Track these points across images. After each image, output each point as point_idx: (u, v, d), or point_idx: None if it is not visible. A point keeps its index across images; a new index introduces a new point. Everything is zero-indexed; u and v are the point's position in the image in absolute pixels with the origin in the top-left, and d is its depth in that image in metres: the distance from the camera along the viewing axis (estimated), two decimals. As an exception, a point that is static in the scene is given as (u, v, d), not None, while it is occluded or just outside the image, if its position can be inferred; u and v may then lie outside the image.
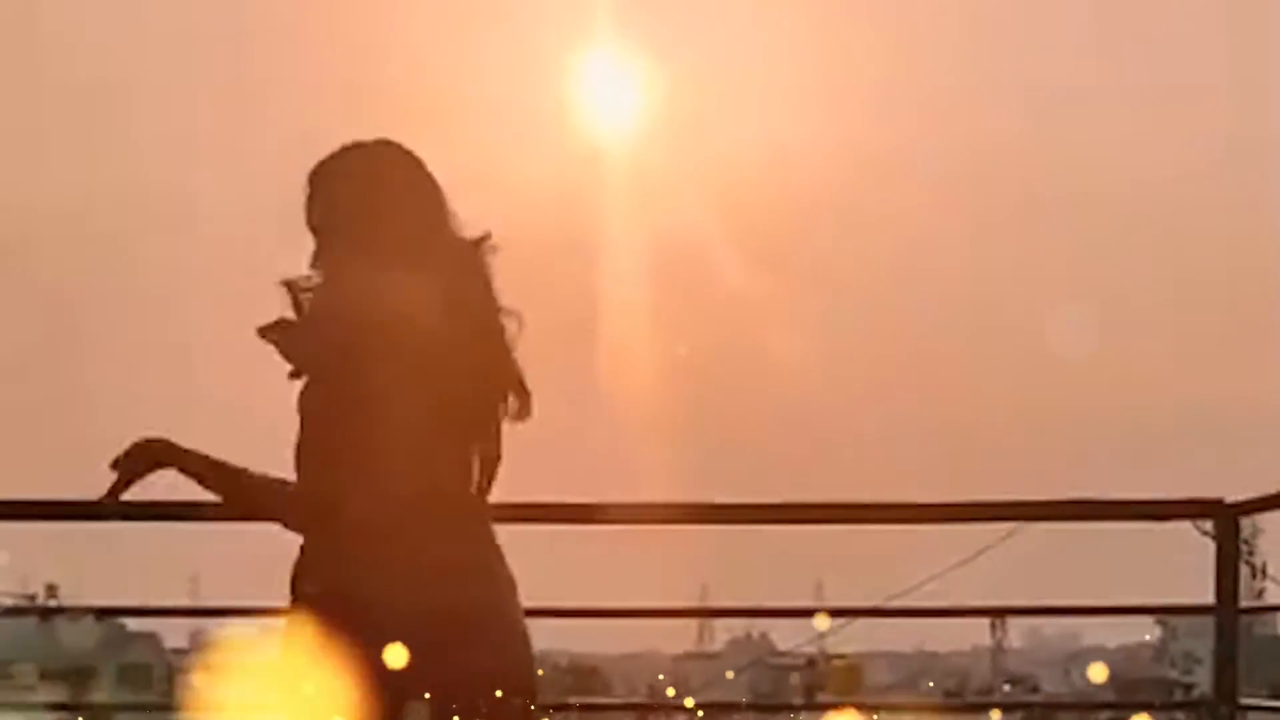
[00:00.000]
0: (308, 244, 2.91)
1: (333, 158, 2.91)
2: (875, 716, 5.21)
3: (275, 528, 3.26)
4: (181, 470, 2.92)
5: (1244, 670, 4.73)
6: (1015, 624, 47.64)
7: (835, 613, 5.64)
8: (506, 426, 2.92)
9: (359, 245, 2.85)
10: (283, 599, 2.93)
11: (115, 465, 2.97)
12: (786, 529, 5.16)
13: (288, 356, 2.83)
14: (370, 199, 2.87)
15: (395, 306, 2.79)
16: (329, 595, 2.83)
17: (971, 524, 5.03)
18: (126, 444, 2.94)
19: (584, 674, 40.86)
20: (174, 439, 2.95)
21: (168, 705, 4.77)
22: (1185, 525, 4.76)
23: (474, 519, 2.89)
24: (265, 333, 2.84)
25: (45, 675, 38.47)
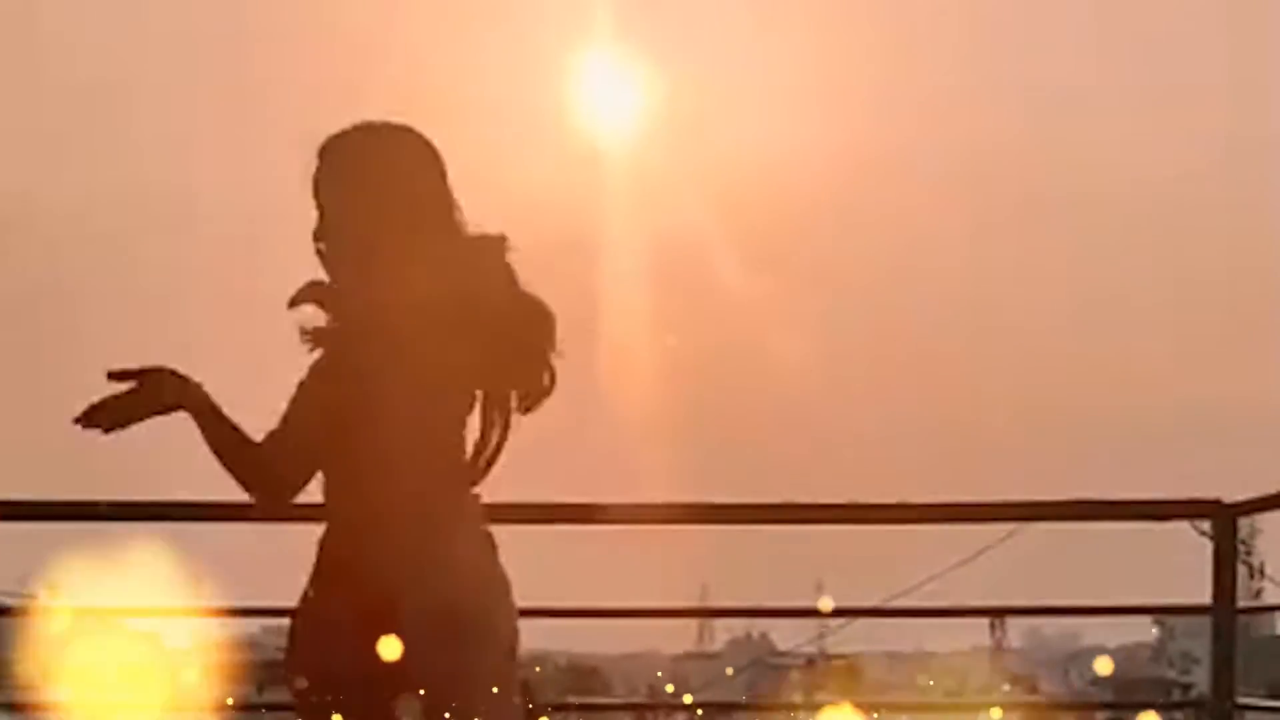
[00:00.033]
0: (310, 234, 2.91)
1: (347, 135, 2.89)
2: (875, 715, 5.22)
3: (276, 528, 3.28)
4: (191, 415, 2.86)
5: (1241, 670, 4.74)
6: (1015, 624, 47.64)
7: (835, 613, 5.65)
8: (515, 418, 2.93)
9: (367, 241, 2.85)
10: (283, 598, 2.94)
11: (129, 380, 2.84)
12: (786, 529, 5.18)
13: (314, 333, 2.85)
14: (381, 188, 2.86)
15: (400, 308, 2.80)
16: (324, 594, 2.85)
17: (971, 524, 5.05)
18: (141, 365, 2.85)
19: (584, 674, 40.87)
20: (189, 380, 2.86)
21: (169, 705, 4.78)
22: (1183, 525, 4.78)
23: (464, 519, 2.89)
24: (301, 298, 2.85)
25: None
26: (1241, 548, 4.82)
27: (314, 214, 2.89)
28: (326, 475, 2.89)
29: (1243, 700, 4.78)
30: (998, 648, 47.42)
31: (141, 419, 2.85)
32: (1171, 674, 43.42)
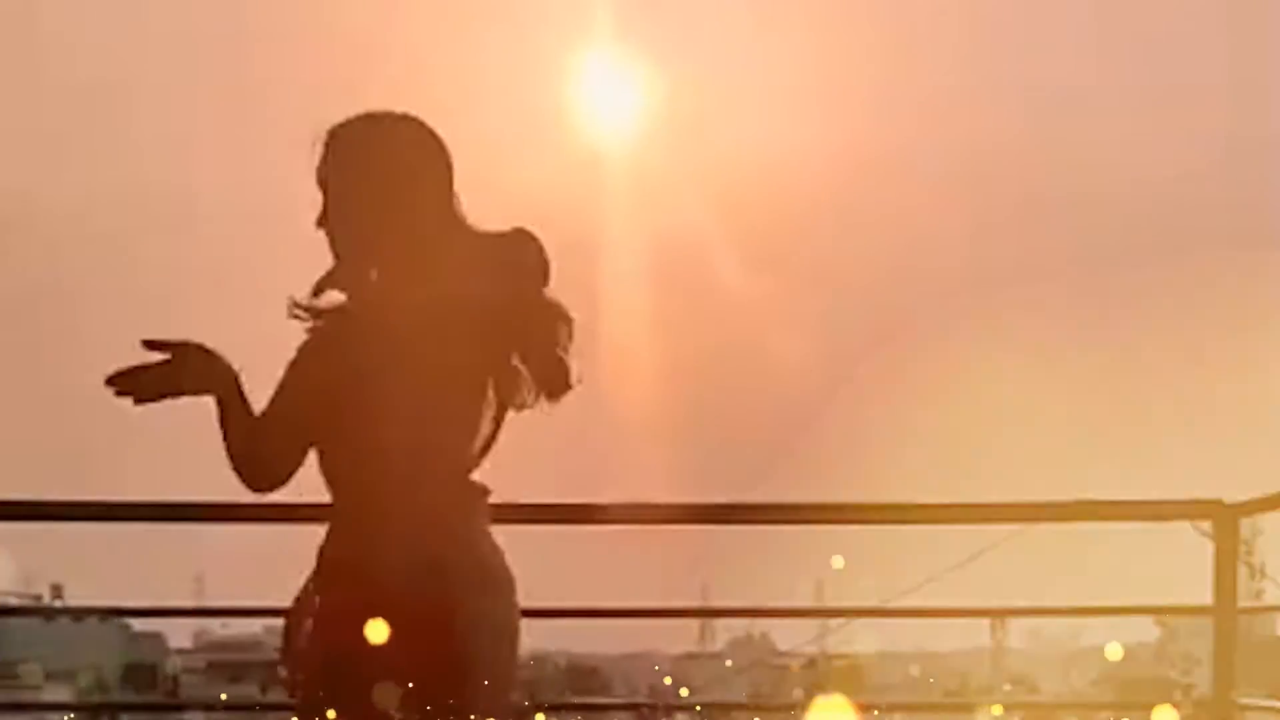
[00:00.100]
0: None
1: (352, 124, 2.90)
2: (876, 715, 5.22)
3: (277, 528, 3.28)
4: (215, 401, 2.86)
5: (1242, 670, 4.74)
6: (1015, 624, 47.62)
7: (836, 613, 5.64)
8: (515, 413, 2.92)
9: (370, 229, 2.85)
10: (285, 599, 2.94)
11: (162, 352, 2.85)
12: (786, 529, 5.17)
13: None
14: (385, 177, 2.86)
15: (400, 296, 2.80)
16: (322, 591, 2.86)
17: (972, 525, 5.04)
18: (181, 341, 2.85)
19: (584, 674, 40.88)
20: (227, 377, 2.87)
21: (172, 705, 4.79)
22: (1184, 526, 4.77)
23: (466, 512, 2.89)
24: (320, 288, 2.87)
25: (50, 675, 38.49)
26: (1243, 548, 4.81)
27: (318, 202, 2.90)
28: (324, 466, 2.88)
29: (1244, 700, 4.78)
30: (999, 648, 47.41)
31: (171, 397, 2.85)
32: (1173, 674, 43.41)
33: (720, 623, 44.19)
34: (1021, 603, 6.30)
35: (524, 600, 2.93)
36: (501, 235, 2.92)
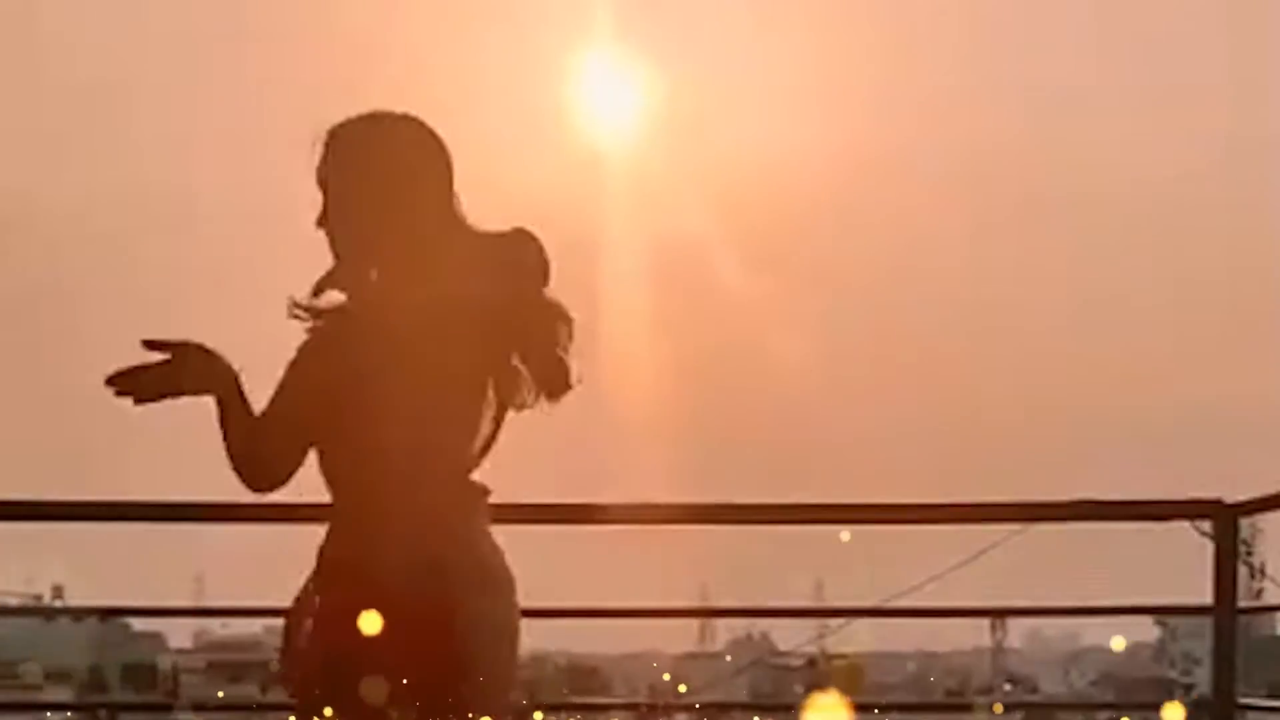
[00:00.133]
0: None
1: (353, 123, 2.89)
2: (876, 714, 5.22)
3: (277, 528, 3.28)
4: (215, 402, 2.85)
5: (1242, 670, 4.75)
6: (1015, 624, 47.58)
7: (836, 612, 5.64)
8: (514, 413, 2.92)
9: (370, 229, 2.85)
10: (286, 599, 2.94)
11: (163, 351, 2.83)
12: (786, 529, 5.18)
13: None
14: (385, 177, 2.86)
15: (401, 296, 2.80)
16: (321, 591, 2.85)
17: (971, 525, 5.05)
18: (181, 341, 2.84)
19: (584, 674, 40.88)
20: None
21: (172, 705, 4.78)
22: (1184, 525, 4.77)
23: (467, 511, 2.88)
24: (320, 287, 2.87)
25: (51, 675, 38.49)
26: (1242, 548, 4.82)
27: (318, 202, 2.89)
28: (324, 466, 2.88)
29: (1244, 700, 4.78)
30: (998, 648, 47.40)
31: (171, 397, 2.85)
32: (1173, 674, 43.40)
33: (720, 622, 44.16)
34: (1021, 603, 6.30)
35: (524, 600, 2.93)
36: (501, 235, 2.92)
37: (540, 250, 2.91)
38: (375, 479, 2.82)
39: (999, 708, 5.19)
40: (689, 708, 5.54)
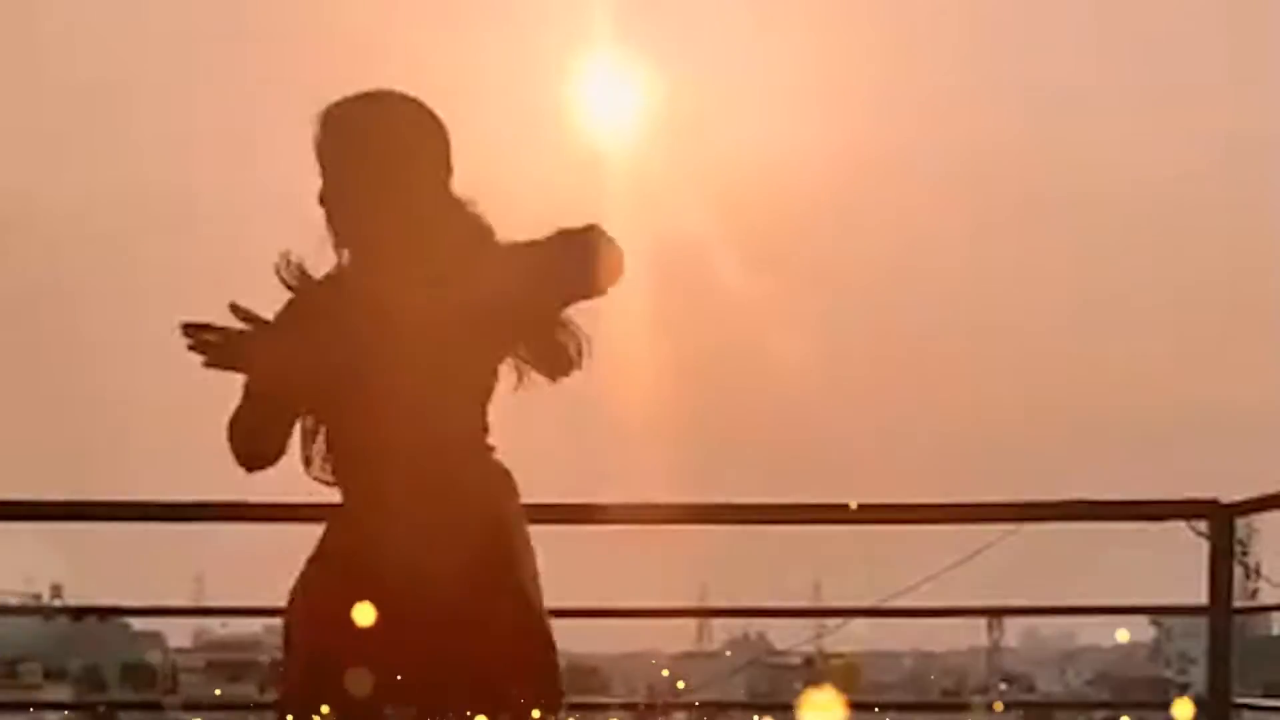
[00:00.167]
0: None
1: (351, 102, 2.86)
2: (874, 715, 5.23)
3: (277, 528, 3.26)
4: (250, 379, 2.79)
5: (1238, 670, 4.76)
6: (1011, 624, 47.60)
7: (833, 612, 5.66)
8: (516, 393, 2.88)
9: (368, 208, 2.81)
10: (284, 599, 2.91)
11: (248, 323, 2.74)
12: (785, 529, 5.19)
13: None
14: (383, 156, 2.82)
15: (395, 273, 2.77)
16: (319, 580, 2.80)
17: (968, 525, 5.06)
18: (239, 328, 2.73)
19: (584, 674, 40.88)
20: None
21: (172, 705, 4.80)
22: (1180, 525, 4.79)
23: (476, 492, 2.81)
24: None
25: (50, 675, 38.48)
26: (1238, 548, 4.83)
27: (317, 184, 2.87)
28: (329, 447, 2.83)
29: (1239, 700, 4.79)
30: (995, 647, 47.40)
31: (240, 372, 2.78)
32: (1169, 674, 43.42)
33: (718, 622, 44.23)
34: (1018, 602, 6.31)
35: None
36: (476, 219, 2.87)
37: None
38: (376, 457, 2.76)
39: (999, 705, 5.20)
40: (687, 707, 5.56)
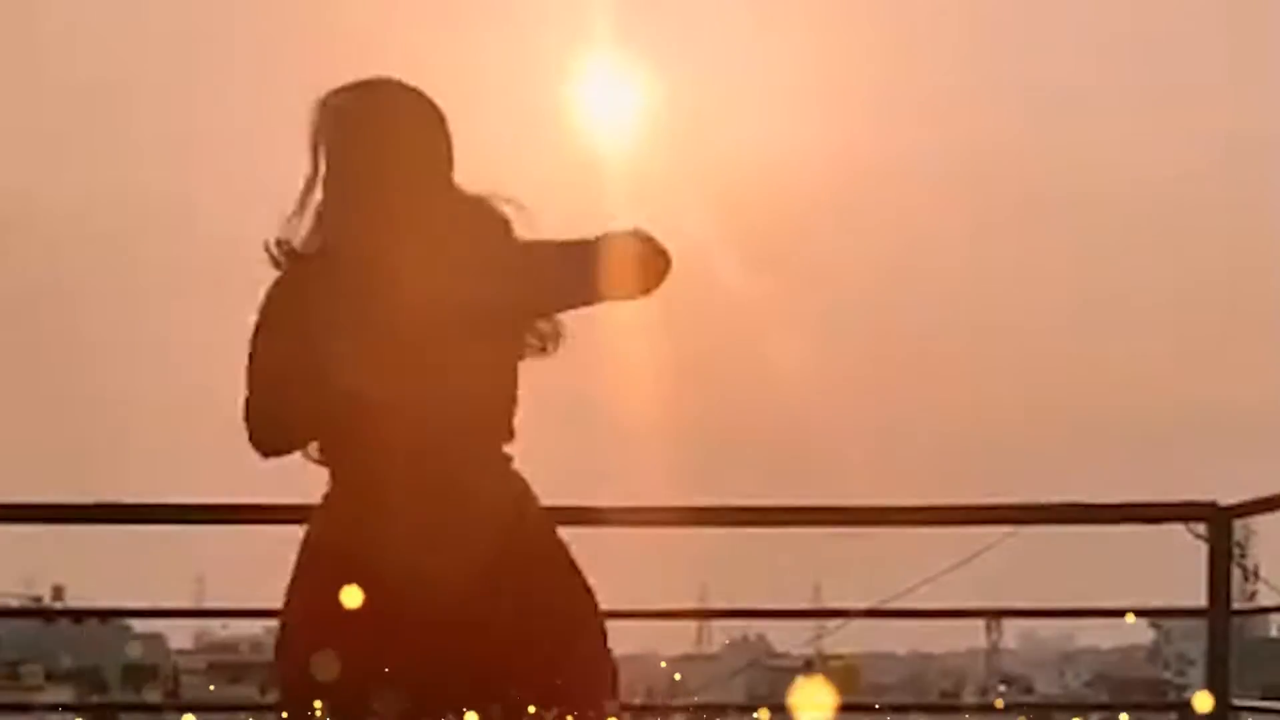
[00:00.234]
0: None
1: (347, 91, 2.83)
2: (873, 716, 5.24)
3: (278, 530, 3.23)
4: None
5: (1236, 672, 4.76)
6: (1010, 626, 47.64)
7: (833, 614, 5.66)
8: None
9: (363, 194, 2.77)
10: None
11: None
12: (785, 531, 5.19)
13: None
14: (379, 143, 2.79)
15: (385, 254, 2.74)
16: (309, 583, 2.75)
17: (967, 527, 5.06)
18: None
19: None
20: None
21: (173, 706, 4.80)
22: (1178, 528, 4.79)
23: (486, 484, 2.76)
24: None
25: (51, 676, 38.49)
26: (1236, 550, 4.83)
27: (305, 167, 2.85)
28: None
29: (1238, 702, 4.80)
30: (994, 649, 47.42)
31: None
32: (1167, 675, 43.44)
33: (717, 624, 44.20)
34: (1016, 604, 6.33)
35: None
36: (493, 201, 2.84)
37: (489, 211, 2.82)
38: (373, 444, 2.70)
39: (999, 703, 5.21)
40: (686, 708, 5.56)
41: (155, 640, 42.77)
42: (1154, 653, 47.19)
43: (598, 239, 2.77)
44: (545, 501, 2.85)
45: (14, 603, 31.49)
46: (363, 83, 2.84)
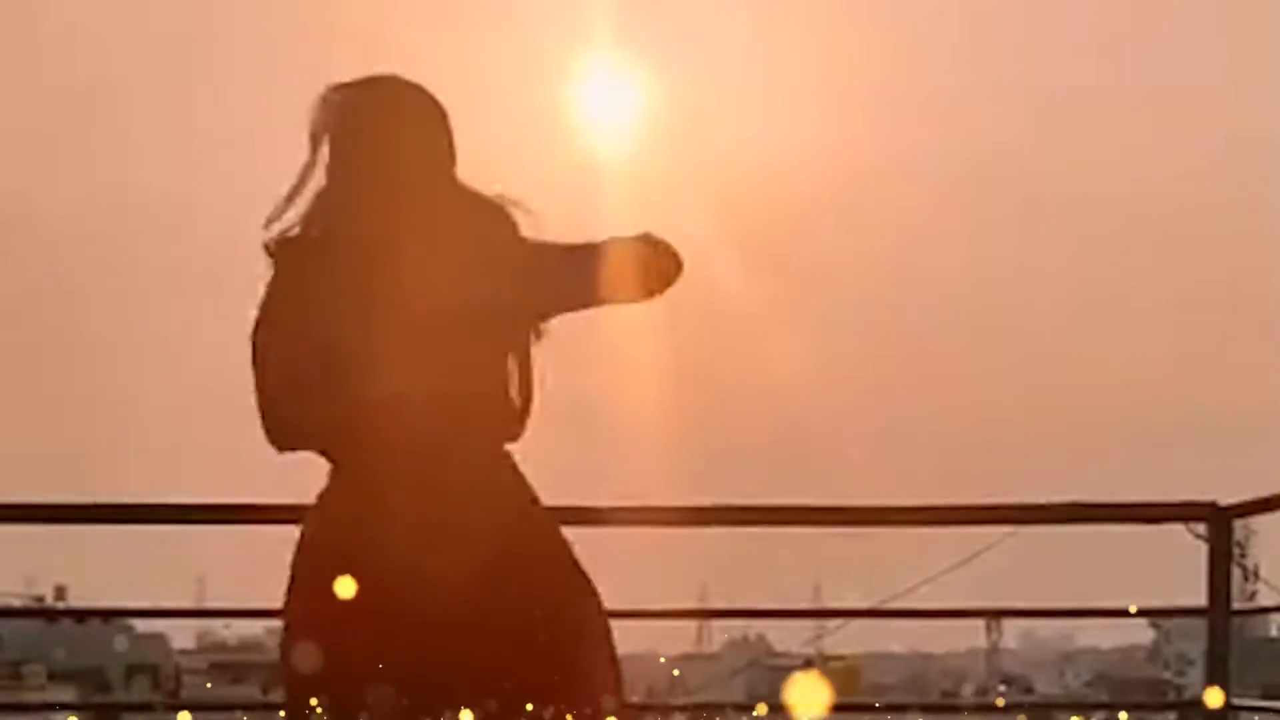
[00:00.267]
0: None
1: (347, 86, 2.83)
2: (872, 713, 5.24)
3: (279, 530, 3.22)
4: None
5: (1236, 671, 4.77)
6: (1010, 626, 47.64)
7: (833, 614, 5.67)
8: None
9: (361, 189, 2.77)
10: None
11: None
12: (785, 531, 5.19)
13: None
14: (379, 138, 2.80)
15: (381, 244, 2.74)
16: (309, 583, 2.73)
17: (967, 527, 5.06)
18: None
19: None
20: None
21: (175, 705, 4.81)
22: (1178, 528, 4.79)
23: (488, 480, 2.76)
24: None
25: (54, 676, 38.48)
26: (1236, 550, 4.83)
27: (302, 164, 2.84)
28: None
29: (1237, 701, 4.80)
30: (993, 649, 47.43)
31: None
32: (1167, 675, 43.46)
33: (717, 624, 44.20)
34: (1016, 604, 6.32)
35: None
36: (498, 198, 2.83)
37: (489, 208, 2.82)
38: (373, 437, 2.69)
39: (1000, 701, 5.22)
40: (686, 707, 5.57)
41: (157, 640, 42.77)
42: (1154, 653, 47.21)
43: (602, 242, 2.77)
44: (545, 501, 2.84)
45: (16, 602, 31.51)
46: (365, 78, 2.85)
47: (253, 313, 2.78)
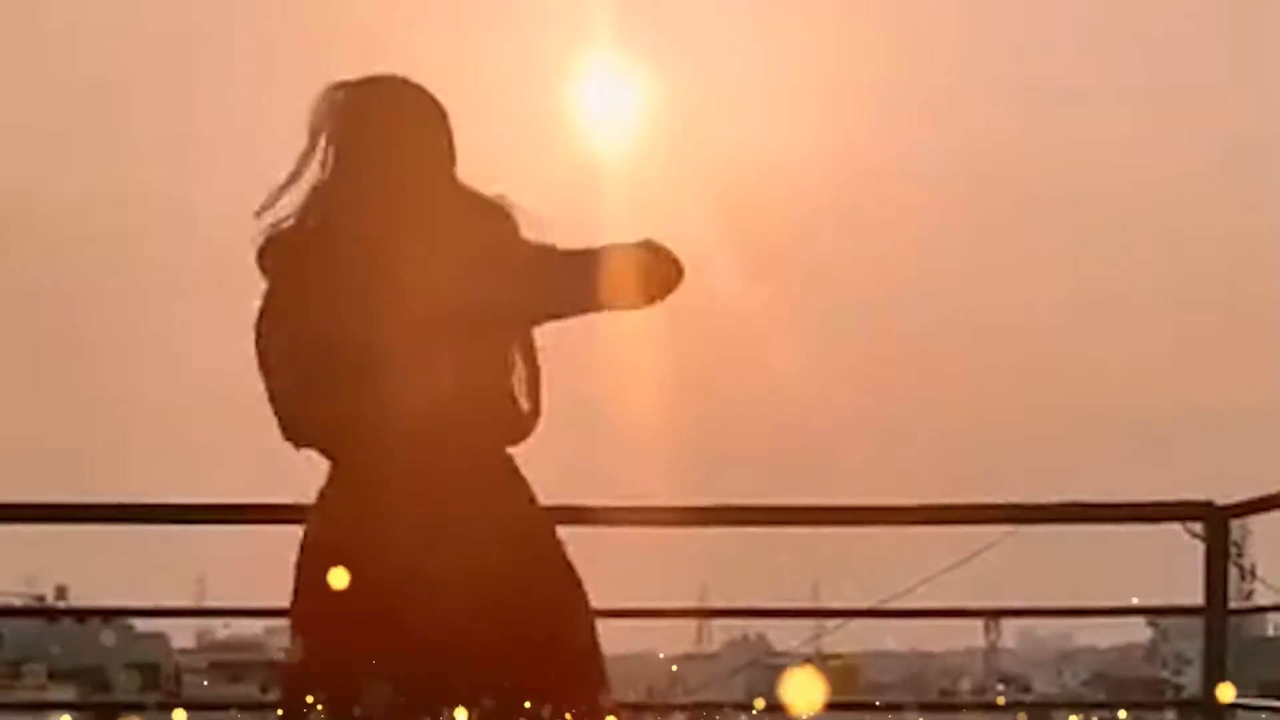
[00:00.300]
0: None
1: (348, 85, 2.83)
2: (872, 715, 5.25)
3: (279, 530, 3.23)
4: None
5: (1233, 670, 4.78)
6: (1008, 625, 47.62)
7: (832, 613, 5.68)
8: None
9: (362, 187, 2.77)
10: (286, 600, 2.89)
11: None
12: (785, 530, 5.20)
13: None
14: (378, 136, 2.80)
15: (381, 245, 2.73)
16: (310, 586, 2.73)
17: (965, 526, 5.07)
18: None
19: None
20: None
21: (175, 705, 4.81)
22: (1175, 527, 4.80)
23: (490, 482, 2.76)
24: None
25: (54, 675, 38.49)
26: (1233, 550, 4.84)
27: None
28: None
29: (1234, 700, 4.81)
30: (992, 648, 47.42)
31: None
32: (1164, 674, 43.47)
33: (717, 623, 44.21)
34: (1014, 603, 6.34)
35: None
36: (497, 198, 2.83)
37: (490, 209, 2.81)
38: (373, 436, 2.69)
39: (1000, 700, 5.23)
40: (686, 707, 5.58)
41: (157, 639, 42.78)
42: (1151, 652, 47.21)
43: (603, 248, 2.78)
44: (545, 502, 2.85)
45: (16, 602, 31.52)
46: (366, 78, 2.85)
47: (255, 303, 2.78)
